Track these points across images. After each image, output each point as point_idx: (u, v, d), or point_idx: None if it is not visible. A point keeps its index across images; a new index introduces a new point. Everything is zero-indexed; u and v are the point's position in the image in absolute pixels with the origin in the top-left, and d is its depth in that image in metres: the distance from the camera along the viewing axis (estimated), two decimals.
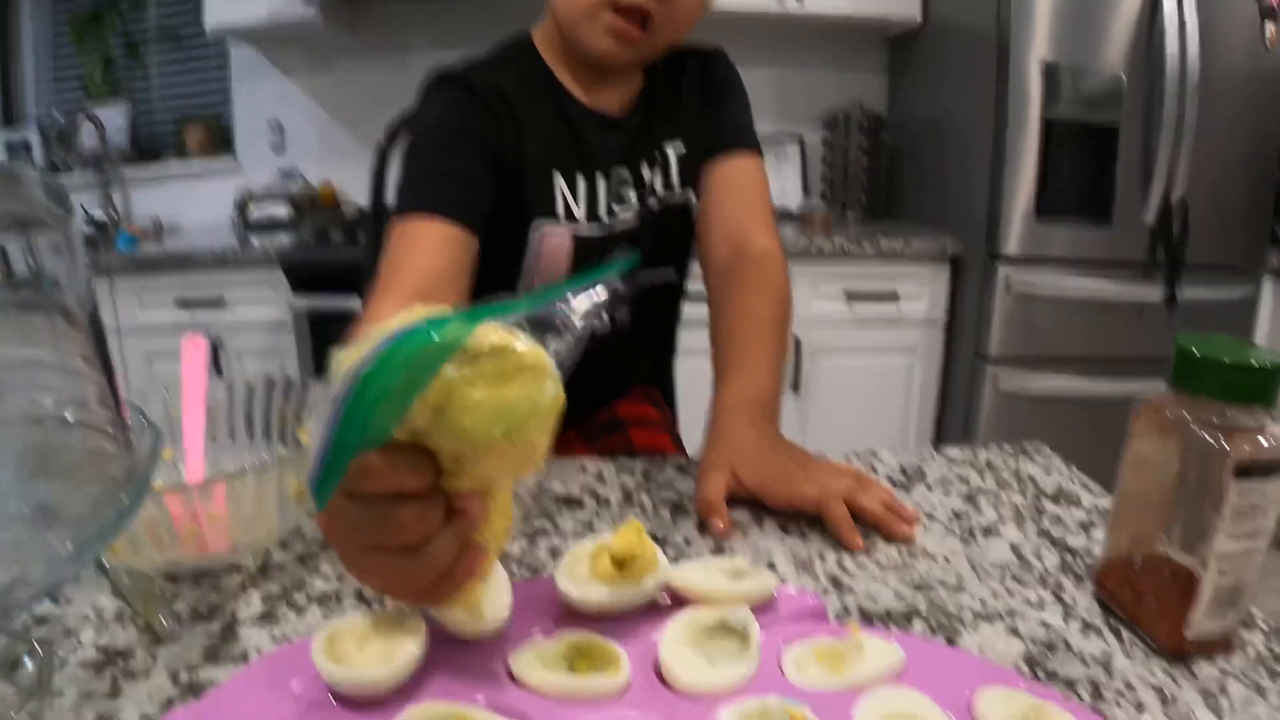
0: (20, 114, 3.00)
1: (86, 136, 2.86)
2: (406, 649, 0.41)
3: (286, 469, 0.53)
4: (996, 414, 2.30)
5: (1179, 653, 0.47)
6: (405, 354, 0.34)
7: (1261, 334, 2.46)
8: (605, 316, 0.98)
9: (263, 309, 2.35)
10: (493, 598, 0.45)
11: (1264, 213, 2.29)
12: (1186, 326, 2.25)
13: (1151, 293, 2.20)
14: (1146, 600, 0.48)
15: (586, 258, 0.90)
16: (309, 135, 2.90)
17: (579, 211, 0.88)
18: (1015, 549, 0.60)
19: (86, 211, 2.82)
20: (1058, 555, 0.59)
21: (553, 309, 0.41)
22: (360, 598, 0.53)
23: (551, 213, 0.87)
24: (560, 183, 0.87)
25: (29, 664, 0.44)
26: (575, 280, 0.42)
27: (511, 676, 0.43)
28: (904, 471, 0.74)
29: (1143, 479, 0.49)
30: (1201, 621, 0.46)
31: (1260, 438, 0.43)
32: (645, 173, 0.93)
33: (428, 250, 0.76)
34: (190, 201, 2.91)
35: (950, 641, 0.49)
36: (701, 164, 0.96)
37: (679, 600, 0.49)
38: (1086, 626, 0.50)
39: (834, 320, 2.39)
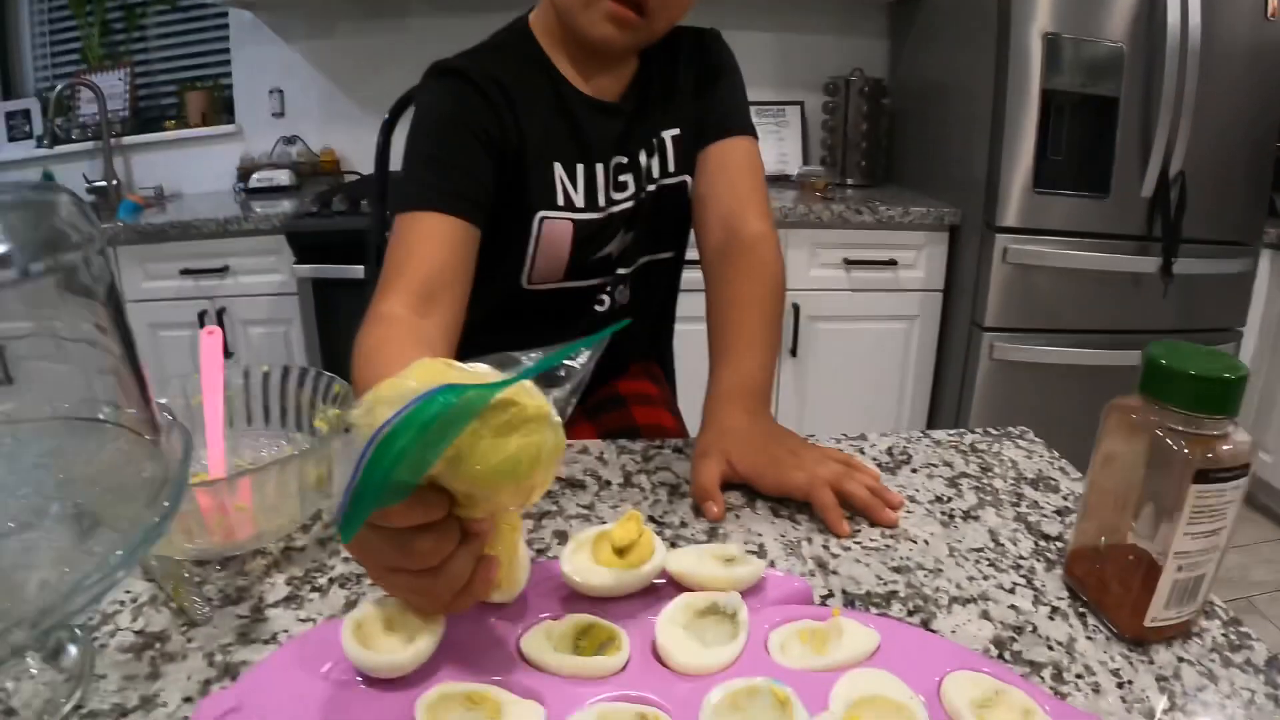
0: (19, 84, 3.00)
1: (86, 104, 2.87)
2: (427, 633, 0.45)
3: (307, 461, 0.56)
4: (991, 381, 2.33)
5: (1138, 639, 0.51)
6: (424, 419, 0.37)
7: (1258, 306, 2.49)
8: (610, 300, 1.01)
9: (267, 277, 2.38)
10: (513, 574, 0.49)
11: (1262, 186, 2.31)
12: (1182, 299, 2.28)
13: (1148, 265, 2.22)
14: (1111, 588, 0.52)
15: (586, 241, 0.92)
16: (309, 101, 2.90)
17: (579, 200, 0.90)
18: (993, 534, 0.64)
19: (88, 179, 2.82)
20: (1032, 541, 0.63)
21: (553, 365, 0.45)
22: None
23: (553, 203, 0.89)
24: (560, 172, 0.89)
25: (72, 650, 0.47)
26: (574, 345, 0.45)
27: (522, 656, 0.47)
28: (891, 454, 0.78)
29: (1111, 474, 0.52)
30: (1160, 611, 0.50)
31: (1221, 445, 0.47)
32: (643, 159, 0.95)
33: (432, 246, 0.78)
34: (192, 168, 2.91)
35: (926, 624, 0.53)
36: (697, 147, 0.97)
37: (675, 584, 0.53)
38: (1054, 611, 0.54)
39: (833, 287, 2.41)
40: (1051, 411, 2.36)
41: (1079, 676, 0.48)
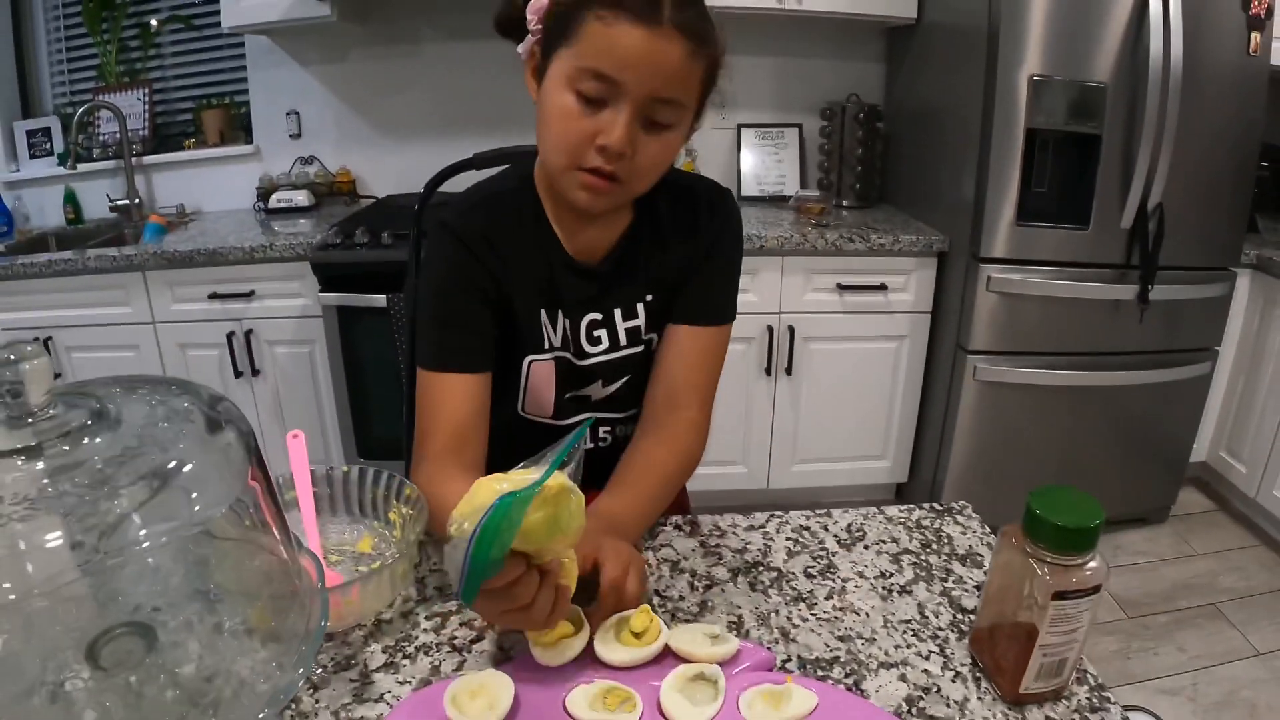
0: (38, 102, 3.12)
1: (105, 123, 3.01)
2: (504, 699, 0.64)
3: (399, 564, 0.74)
4: (976, 400, 2.50)
5: (1016, 701, 0.69)
6: (494, 522, 0.59)
7: (1234, 327, 2.64)
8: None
9: (292, 301, 2.53)
10: (573, 643, 0.70)
11: (1240, 216, 2.44)
12: (1160, 322, 2.43)
13: (1127, 292, 2.37)
14: (999, 660, 0.69)
15: (567, 383, 1.04)
16: (325, 123, 3.04)
17: (557, 343, 1.01)
18: (920, 607, 0.81)
19: (110, 198, 2.97)
20: (951, 614, 0.80)
21: (569, 452, 0.66)
22: (453, 648, 0.75)
23: (539, 347, 1.00)
24: (544, 319, 0.99)
25: None
26: (569, 444, 0.66)
27: (568, 712, 0.65)
28: (849, 530, 0.95)
29: (1005, 577, 0.69)
30: (1031, 682, 0.67)
31: (1077, 574, 0.64)
32: (617, 317, 1.02)
33: (453, 402, 0.94)
34: (211, 187, 3.06)
35: (858, 684, 0.71)
36: (669, 311, 1.04)
37: (675, 656, 0.71)
38: (956, 675, 0.72)
39: (826, 309, 2.58)
40: (1032, 429, 2.54)
41: None
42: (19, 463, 0.50)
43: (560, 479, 0.63)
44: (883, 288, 2.56)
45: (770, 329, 2.58)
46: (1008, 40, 2.19)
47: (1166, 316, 2.44)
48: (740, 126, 3.05)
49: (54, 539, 0.48)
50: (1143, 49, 2.15)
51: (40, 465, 0.50)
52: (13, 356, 0.51)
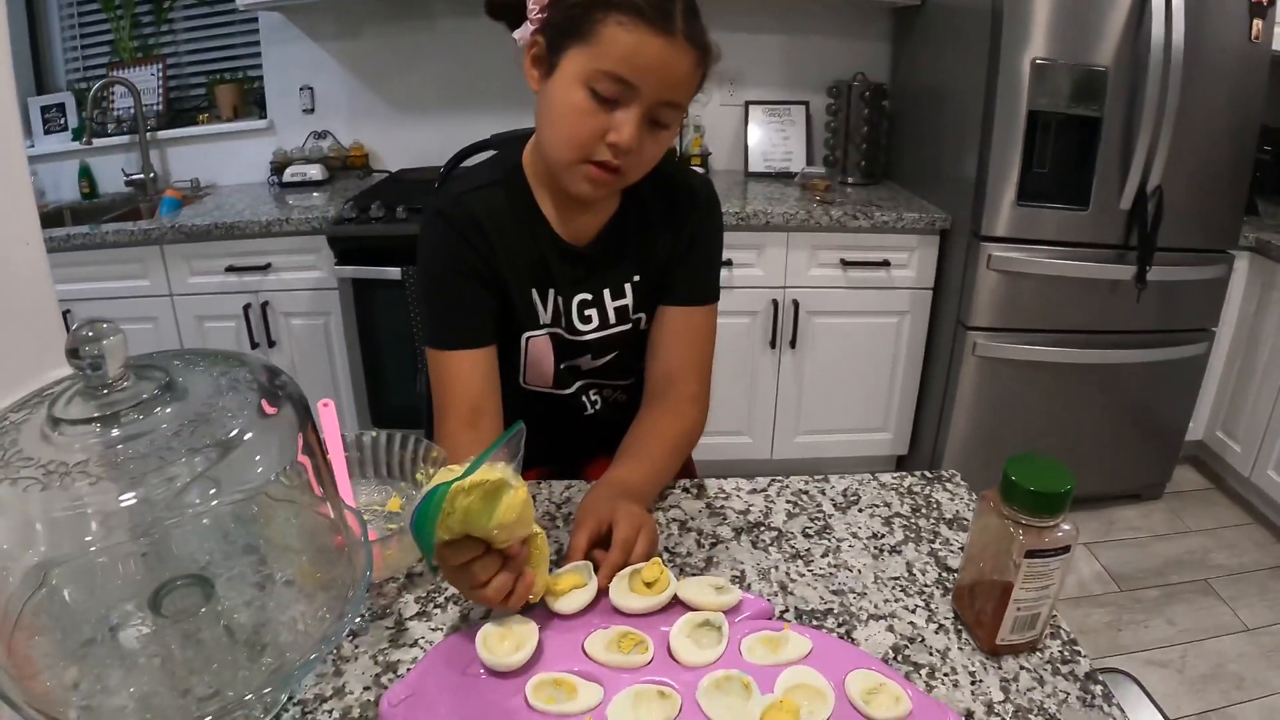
0: (51, 78, 3.15)
1: (120, 98, 3.05)
2: (529, 641, 0.70)
3: None
4: (975, 375, 2.56)
5: (993, 651, 0.75)
6: (426, 509, 0.67)
7: (1232, 309, 2.69)
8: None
9: (307, 273, 2.59)
10: (580, 594, 0.76)
11: (1238, 199, 2.47)
12: (1158, 302, 2.47)
13: (1124, 272, 2.42)
14: (978, 614, 0.76)
15: (564, 356, 1.10)
16: (339, 98, 3.08)
17: (550, 321, 1.07)
18: (909, 565, 0.88)
19: (125, 173, 3.02)
20: (937, 572, 0.87)
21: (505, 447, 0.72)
22: None
23: (535, 324, 1.06)
24: (536, 298, 1.05)
25: None
26: (497, 442, 0.72)
27: (586, 654, 0.72)
28: (845, 495, 1.01)
29: (984, 537, 0.75)
30: (1007, 634, 0.74)
31: (1048, 535, 0.70)
32: (606, 297, 1.08)
33: (464, 377, 1.00)
34: (226, 161, 3.10)
35: (849, 633, 0.77)
36: (658, 293, 1.10)
37: (683, 605, 0.78)
38: (940, 628, 0.78)
39: (830, 284, 2.63)
40: (1031, 404, 2.59)
41: (946, 675, 0.73)
42: (96, 429, 0.57)
43: (497, 472, 0.68)
44: (886, 264, 2.61)
45: (775, 303, 2.63)
46: (1011, 23, 2.22)
47: (1164, 297, 2.48)
48: (748, 103, 3.09)
49: (125, 500, 0.54)
50: (1145, 34, 2.18)
51: (115, 432, 0.57)
52: (93, 333, 0.57)
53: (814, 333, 2.70)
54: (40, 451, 0.55)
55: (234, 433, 0.58)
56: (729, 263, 2.56)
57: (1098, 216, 2.38)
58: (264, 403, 0.62)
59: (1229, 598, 2.41)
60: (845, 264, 2.60)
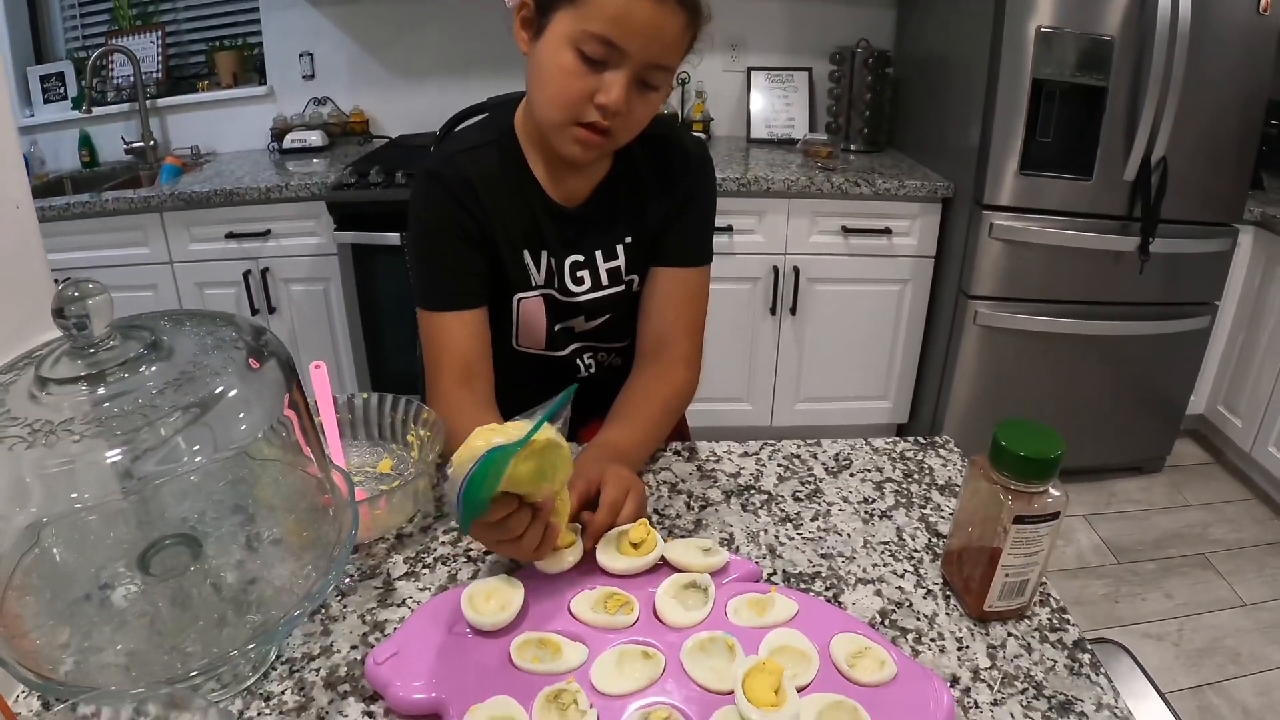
0: (50, 47, 3.12)
1: (119, 66, 3.02)
2: (514, 601, 0.70)
3: (419, 480, 0.81)
4: (976, 344, 2.55)
5: (981, 618, 0.75)
6: (484, 471, 0.66)
7: (1236, 283, 2.67)
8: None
9: (307, 239, 2.59)
10: (567, 555, 0.77)
11: (1244, 173, 2.44)
12: (1161, 275, 2.46)
13: (1127, 244, 2.40)
14: (967, 580, 0.76)
15: (556, 317, 1.10)
16: (338, 64, 3.06)
17: (542, 281, 1.07)
18: (899, 530, 0.88)
19: (125, 140, 3.01)
20: (927, 537, 0.87)
21: (555, 412, 0.72)
22: (469, 559, 0.82)
23: (527, 285, 1.06)
24: (529, 260, 1.05)
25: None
26: (557, 403, 0.72)
27: (572, 614, 0.72)
28: (836, 459, 1.01)
29: (974, 503, 0.75)
30: (995, 601, 0.74)
31: (1037, 501, 0.70)
32: (599, 258, 1.08)
33: (456, 338, 1.01)
34: (226, 128, 3.09)
35: (836, 597, 0.78)
36: (650, 255, 1.09)
37: (669, 566, 0.78)
38: (928, 593, 0.78)
39: (831, 252, 2.62)
40: (1031, 374, 2.59)
41: (933, 640, 0.73)
42: (82, 388, 0.57)
43: (548, 433, 0.69)
44: (887, 231, 2.60)
45: (776, 269, 2.62)
46: None
47: (1167, 269, 2.47)
48: (750, 69, 3.06)
49: (111, 457, 0.54)
50: (1152, 3, 2.15)
51: (101, 391, 0.57)
52: (78, 293, 0.57)
53: (814, 300, 2.69)
54: (27, 411, 0.55)
55: (219, 389, 0.58)
56: (729, 228, 2.55)
57: (1101, 187, 2.36)
58: (250, 360, 0.62)
59: (1227, 573, 2.41)
60: (846, 231, 2.59)
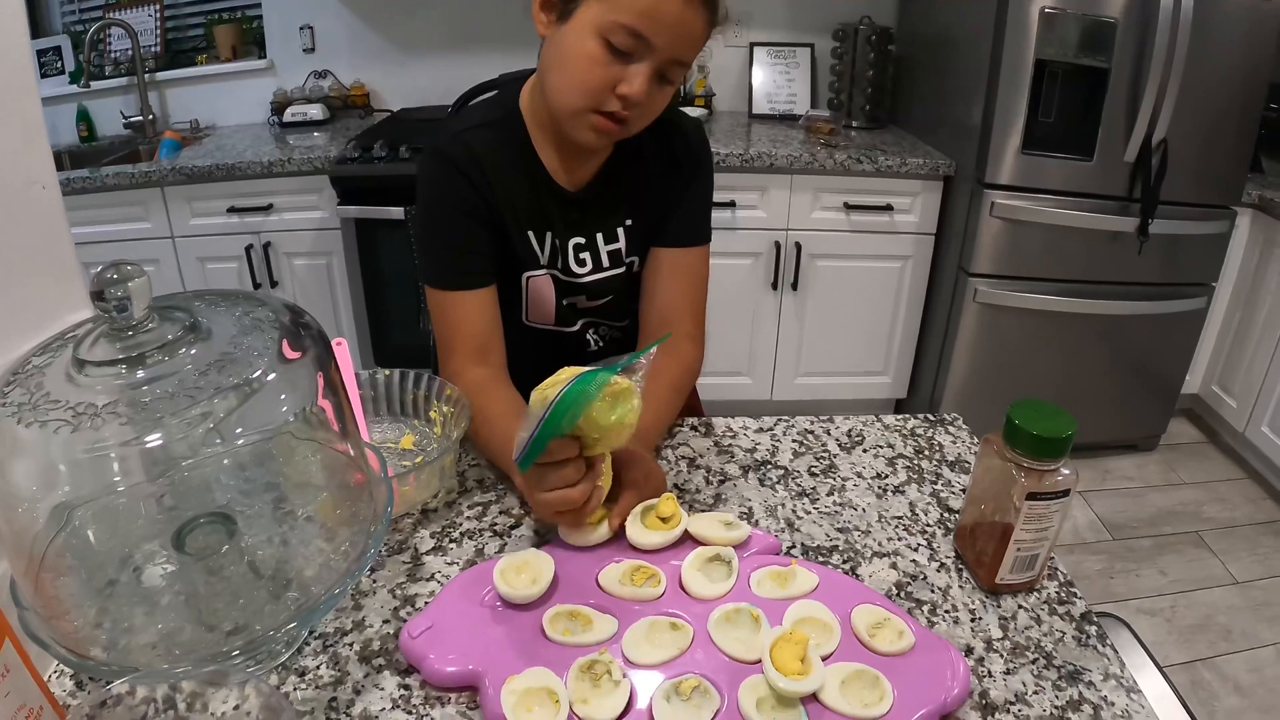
0: (46, 21, 3.08)
1: (117, 40, 2.99)
2: (545, 574, 0.72)
3: (446, 455, 0.83)
4: (975, 321, 2.58)
5: (993, 590, 0.78)
6: (579, 390, 0.68)
7: (1233, 265, 2.69)
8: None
9: (309, 213, 2.59)
10: (598, 529, 0.79)
11: (1243, 155, 2.46)
12: (1159, 255, 2.48)
13: (1127, 224, 2.42)
14: (979, 554, 0.78)
15: (565, 295, 1.11)
16: (339, 37, 3.03)
17: (547, 263, 1.08)
18: (912, 505, 0.90)
19: (124, 115, 2.98)
20: (939, 512, 0.89)
21: (633, 362, 0.74)
22: (495, 533, 0.84)
23: (535, 264, 1.07)
24: (533, 240, 1.05)
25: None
26: (641, 352, 0.75)
27: (600, 587, 0.74)
28: (849, 435, 1.03)
29: (986, 479, 0.77)
30: (1007, 574, 0.76)
31: (1049, 478, 0.72)
32: (600, 240, 1.09)
33: (468, 317, 1.01)
34: (225, 101, 3.06)
35: (853, 569, 0.80)
36: (651, 236, 1.10)
37: (694, 540, 0.80)
38: (941, 566, 0.81)
39: (833, 228, 2.64)
40: (1029, 352, 2.62)
41: (947, 612, 0.75)
42: (122, 371, 0.58)
43: (627, 382, 0.72)
44: (889, 208, 2.61)
45: (778, 245, 2.63)
46: None
47: (1165, 250, 2.48)
48: (753, 45, 3.05)
49: (153, 441, 0.55)
50: None
51: (141, 374, 0.57)
52: (117, 275, 0.57)
53: (816, 275, 2.70)
54: (67, 393, 0.56)
55: (258, 373, 0.59)
56: (732, 204, 2.56)
57: (1102, 167, 2.37)
58: (286, 343, 0.63)
59: (1219, 550, 2.45)
60: (848, 207, 2.60)
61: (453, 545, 0.82)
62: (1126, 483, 2.75)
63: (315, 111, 2.92)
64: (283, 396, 0.61)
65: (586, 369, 0.70)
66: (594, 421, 0.72)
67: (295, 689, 0.66)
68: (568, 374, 0.70)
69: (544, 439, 0.71)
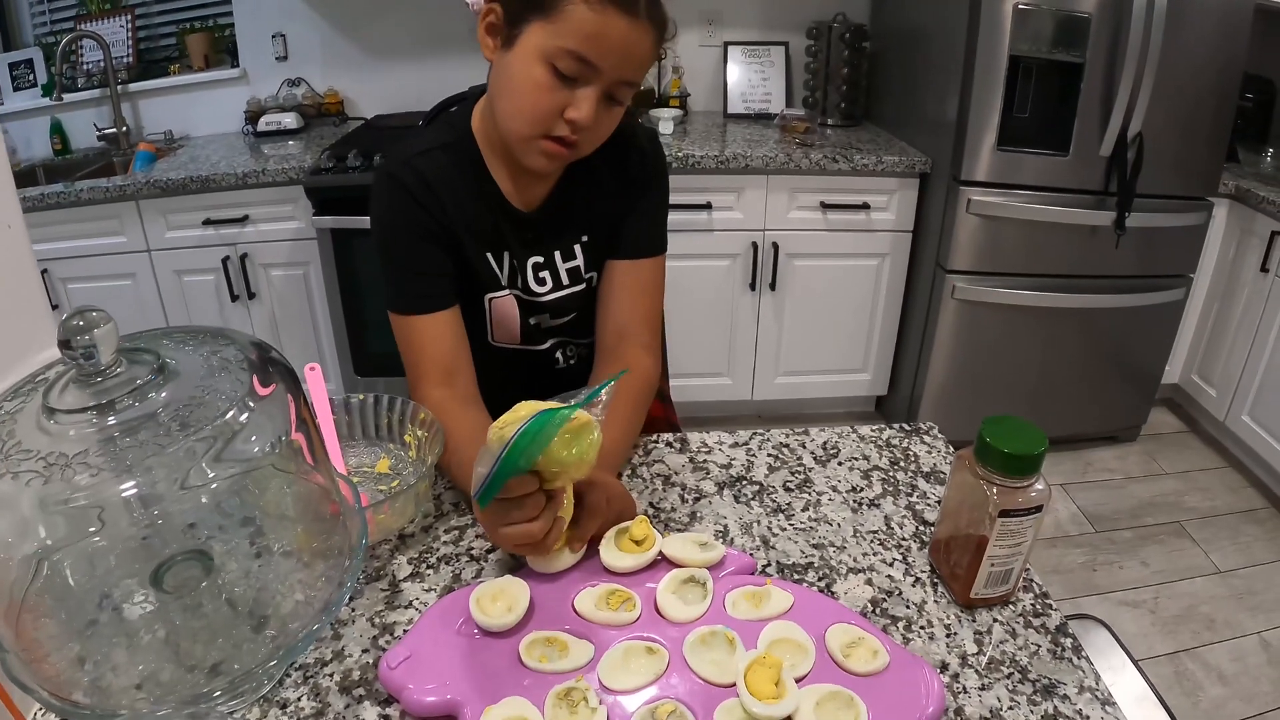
0: (18, 33, 3.05)
1: (89, 51, 2.96)
2: (521, 601, 0.72)
3: (422, 481, 0.83)
4: (954, 318, 2.59)
5: (968, 605, 0.79)
6: (538, 428, 0.68)
7: (1211, 255, 2.72)
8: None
9: (285, 224, 2.58)
10: (562, 557, 0.79)
11: (1219, 147, 2.48)
12: (1136, 248, 2.50)
13: (1103, 218, 2.44)
14: (954, 568, 0.79)
15: (530, 315, 1.11)
16: (312, 44, 3.02)
17: (507, 284, 1.08)
18: (887, 519, 0.91)
19: (98, 127, 2.96)
20: (915, 525, 0.90)
21: (593, 399, 0.74)
22: (471, 558, 0.84)
23: (496, 285, 1.07)
24: (491, 261, 1.05)
25: None
26: (601, 387, 0.75)
27: (576, 612, 0.74)
28: (824, 448, 1.04)
29: (960, 495, 0.78)
30: (981, 589, 0.77)
31: (1021, 495, 0.73)
32: (558, 259, 1.09)
33: (433, 340, 1.01)
34: (199, 111, 3.05)
35: (829, 587, 0.80)
36: (607, 248, 1.10)
37: (668, 562, 0.80)
38: (916, 580, 0.81)
39: (810, 227, 2.65)
40: (1009, 347, 2.63)
41: (922, 628, 0.76)
42: (92, 418, 0.57)
43: (587, 416, 0.72)
44: (865, 207, 2.62)
45: (755, 245, 2.64)
46: None
47: (1143, 243, 2.51)
48: (727, 44, 3.05)
49: (126, 490, 0.54)
50: None
51: (111, 420, 0.57)
52: (83, 323, 0.57)
53: (794, 275, 2.72)
54: (38, 443, 0.55)
55: (230, 414, 0.59)
56: (708, 205, 2.57)
57: (1078, 162, 2.39)
58: (255, 381, 0.63)
59: (1201, 540, 2.47)
60: (825, 207, 2.61)
61: (430, 571, 0.82)
62: (1108, 475, 2.78)
63: (289, 120, 2.90)
64: (254, 436, 0.60)
65: (545, 406, 0.69)
66: (553, 457, 0.72)
67: None
68: (526, 409, 0.69)
69: (502, 477, 0.70)
